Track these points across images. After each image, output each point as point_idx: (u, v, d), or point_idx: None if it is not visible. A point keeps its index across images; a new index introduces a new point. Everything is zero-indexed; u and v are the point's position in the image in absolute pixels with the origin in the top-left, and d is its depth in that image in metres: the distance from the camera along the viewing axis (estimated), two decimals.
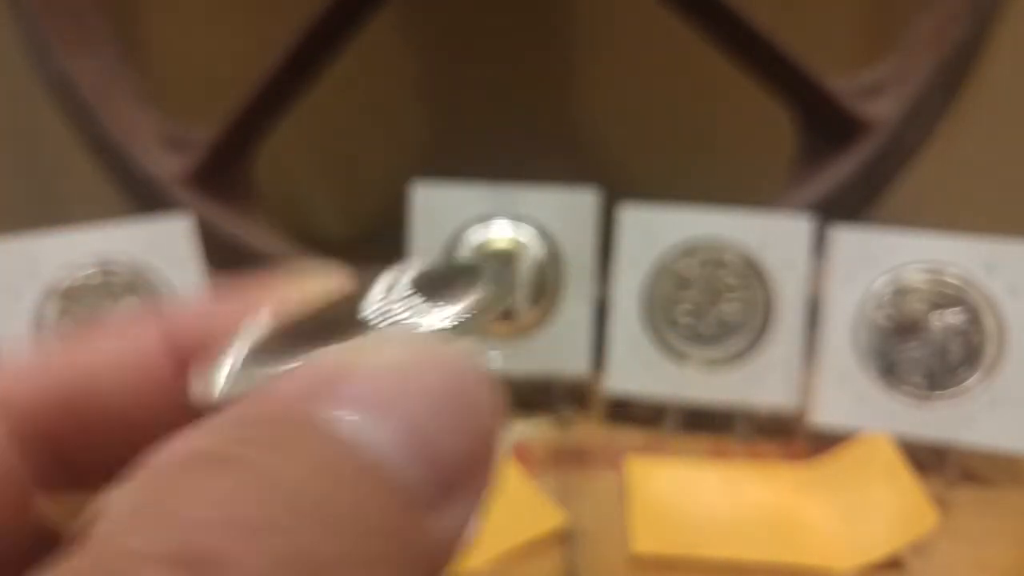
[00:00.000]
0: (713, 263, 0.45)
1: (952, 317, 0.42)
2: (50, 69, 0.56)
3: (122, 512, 0.09)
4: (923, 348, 0.42)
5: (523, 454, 0.44)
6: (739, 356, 0.45)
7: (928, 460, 0.41)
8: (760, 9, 0.51)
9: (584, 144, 0.68)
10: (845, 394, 0.43)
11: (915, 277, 0.42)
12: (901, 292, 0.43)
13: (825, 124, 0.54)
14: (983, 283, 0.42)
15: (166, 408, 0.12)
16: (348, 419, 0.10)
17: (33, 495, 0.12)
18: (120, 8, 0.64)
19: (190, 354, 0.12)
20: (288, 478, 0.09)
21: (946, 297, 0.42)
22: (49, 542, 0.12)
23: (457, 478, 0.10)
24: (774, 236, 0.45)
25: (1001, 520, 0.40)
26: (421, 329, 0.12)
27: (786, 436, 0.46)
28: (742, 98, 0.57)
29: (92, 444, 0.12)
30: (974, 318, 0.42)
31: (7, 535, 0.12)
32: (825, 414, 0.43)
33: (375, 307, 0.12)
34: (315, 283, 0.13)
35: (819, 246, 0.45)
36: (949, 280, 0.42)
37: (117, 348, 0.12)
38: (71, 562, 0.08)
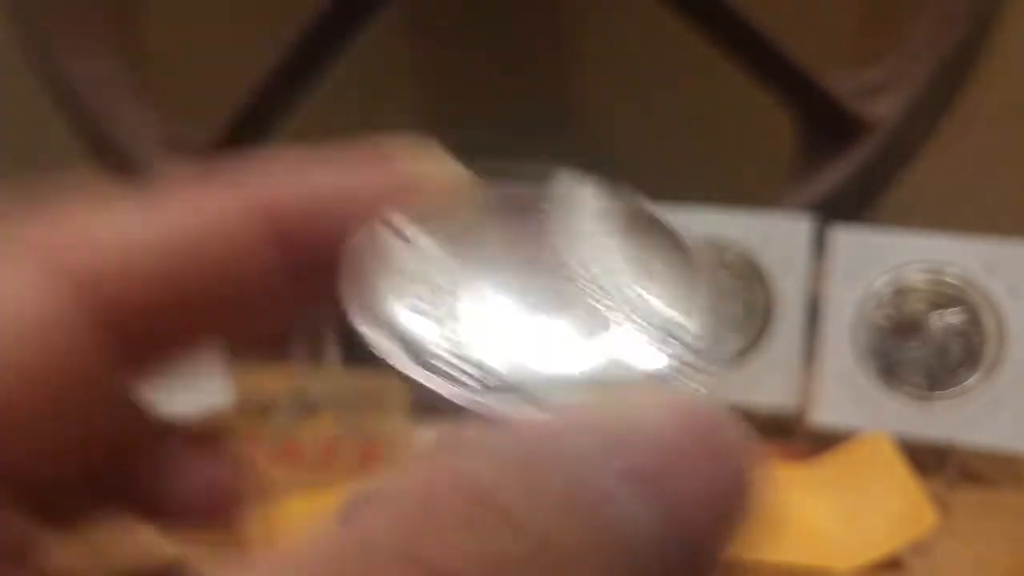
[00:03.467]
0: (713, 263, 0.45)
1: (952, 317, 0.42)
2: (50, 69, 0.56)
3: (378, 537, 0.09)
4: (923, 348, 0.42)
5: None
6: (739, 356, 0.45)
7: (928, 460, 0.41)
8: (760, 10, 0.51)
9: (583, 144, 0.68)
10: (845, 394, 0.43)
11: (915, 277, 0.42)
12: (901, 292, 0.43)
13: (825, 124, 0.54)
14: (983, 283, 0.41)
15: (257, 277, 0.11)
16: (620, 495, 0.10)
17: (110, 374, 0.11)
18: (120, 8, 0.64)
19: (293, 232, 0.11)
20: (557, 544, 0.09)
21: (946, 297, 0.42)
22: (134, 422, 0.12)
23: (708, 554, 0.11)
24: (774, 236, 0.45)
25: (1001, 520, 0.40)
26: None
27: (786, 436, 0.46)
28: (742, 98, 0.57)
29: (172, 319, 0.11)
30: (974, 318, 0.42)
31: (85, 416, 0.11)
32: (825, 414, 0.43)
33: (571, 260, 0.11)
34: (432, 168, 0.12)
35: (819, 246, 0.45)
36: (949, 280, 0.42)
37: (201, 220, 0.11)
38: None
